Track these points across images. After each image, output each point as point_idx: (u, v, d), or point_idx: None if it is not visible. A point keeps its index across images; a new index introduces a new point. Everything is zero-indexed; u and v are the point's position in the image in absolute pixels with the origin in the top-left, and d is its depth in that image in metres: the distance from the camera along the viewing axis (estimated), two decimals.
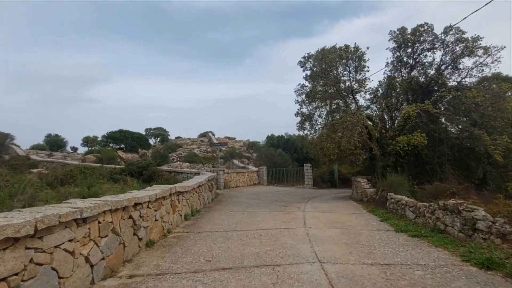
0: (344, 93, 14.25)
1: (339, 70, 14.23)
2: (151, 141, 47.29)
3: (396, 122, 14.23)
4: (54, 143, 42.53)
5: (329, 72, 14.03)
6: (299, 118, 15.22)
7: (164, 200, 5.64)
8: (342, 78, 14.30)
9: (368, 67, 14.06)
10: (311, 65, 14.61)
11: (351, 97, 14.50)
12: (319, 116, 15.06)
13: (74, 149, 42.30)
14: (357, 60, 13.95)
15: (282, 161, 23.18)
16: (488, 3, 7.70)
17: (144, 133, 48.87)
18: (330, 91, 14.01)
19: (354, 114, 12.44)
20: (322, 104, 14.58)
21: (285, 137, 28.89)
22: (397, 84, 14.79)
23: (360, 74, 14.34)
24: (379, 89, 15.48)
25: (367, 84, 14.39)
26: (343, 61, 14.01)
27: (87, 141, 38.94)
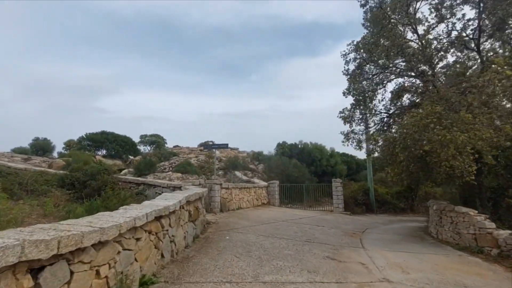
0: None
1: None
2: (145, 148, 42.52)
3: None
4: (40, 147, 37.89)
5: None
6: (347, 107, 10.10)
7: None
8: None
9: None
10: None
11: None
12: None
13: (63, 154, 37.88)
14: None
15: (298, 174, 17.87)
16: None
17: (138, 139, 44.23)
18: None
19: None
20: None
21: (299, 145, 23.65)
22: None
23: None
24: None
25: None
26: None
27: (69, 145, 34.10)
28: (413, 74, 9.23)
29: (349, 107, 10.28)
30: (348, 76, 10.30)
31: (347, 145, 11.25)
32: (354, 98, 10.00)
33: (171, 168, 27.89)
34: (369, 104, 9.86)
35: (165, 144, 46.17)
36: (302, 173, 18.18)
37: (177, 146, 48.08)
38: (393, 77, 9.45)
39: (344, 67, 10.62)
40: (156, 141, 41.68)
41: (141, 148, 41.68)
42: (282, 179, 17.78)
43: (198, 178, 17.85)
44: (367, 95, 9.76)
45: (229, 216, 10.34)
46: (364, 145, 11.05)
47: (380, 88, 9.72)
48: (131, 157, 25.38)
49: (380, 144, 8.63)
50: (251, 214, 11.24)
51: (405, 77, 9.57)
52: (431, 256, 5.98)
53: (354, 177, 27.52)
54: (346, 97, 10.34)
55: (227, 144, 12.58)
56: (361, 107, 9.94)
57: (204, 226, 7.74)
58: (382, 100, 9.97)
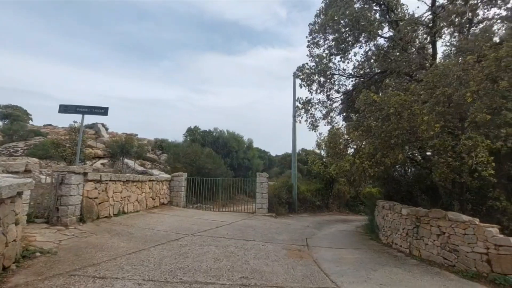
0: None
1: None
2: None
3: None
4: None
5: None
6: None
7: None
8: None
9: None
10: None
11: None
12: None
13: None
14: None
15: (212, 166, 14.25)
16: None
17: None
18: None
19: None
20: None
21: (214, 133, 20.04)
22: None
23: None
24: None
25: None
26: None
27: None
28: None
29: (311, 64, 7.53)
30: (313, 26, 7.54)
31: (301, 122, 8.47)
32: (317, 57, 7.25)
33: (25, 150, 19.47)
34: (334, 66, 7.28)
35: (30, 121, 34.26)
36: (217, 165, 14.65)
37: (50, 125, 36.58)
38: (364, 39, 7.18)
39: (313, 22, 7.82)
40: (12, 114, 29.79)
41: None
42: (192, 172, 13.78)
43: (61, 164, 11.32)
44: (333, 51, 7.18)
45: (94, 230, 5.78)
46: (321, 124, 8.42)
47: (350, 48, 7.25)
48: None
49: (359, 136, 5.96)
50: (140, 224, 6.93)
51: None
52: None
53: (268, 173, 26.01)
54: (310, 60, 7.53)
55: (105, 109, 7.64)
56: (324, 73, 7.25)
57: (17, 260, 3.22)
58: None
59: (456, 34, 6.56)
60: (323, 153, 19.80)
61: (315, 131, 8.85)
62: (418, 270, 4.79)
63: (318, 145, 19.57)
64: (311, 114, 8.11)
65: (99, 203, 6.82)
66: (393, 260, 5.40)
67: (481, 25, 6.29)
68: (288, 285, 3.82)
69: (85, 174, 6.30)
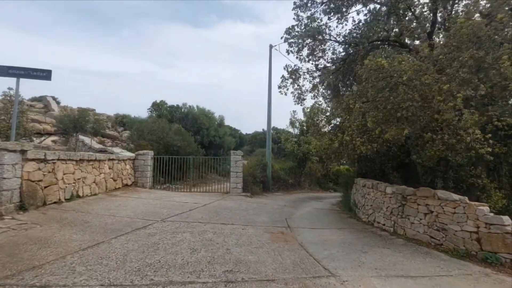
0: None
1: None
2: None
3: None
4: None
5: None
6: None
7: None
8: None
9: None
10: None
11: None
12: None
13: None
14: None
15: (182, 144, 13.23)
16: None
17: None
18: None
19: None
20: None
21: (183, 109, 18.68)
22: None
23: None
24: None
25: None
26: None
27: None
28: None
29: (299, 25, 6.67)
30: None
31: (286, 93, 7.71)
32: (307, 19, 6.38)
33: None
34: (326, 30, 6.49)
35: None
36: (187, 143, 13.63)
37: None
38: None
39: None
40: None
41: None
42: (159, 150, 12.64)
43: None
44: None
45: (39, 220, 4.74)
46: (308, 97, 7.72)
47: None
48: None
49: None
50: (98, 210, 5.96)
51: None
52: (447, 280, 3.36)
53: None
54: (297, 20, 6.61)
55: (48, 72, 6.13)
56: (317, 34, 6.42)
57: None
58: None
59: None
60: (296, 131, 19.69)
61: (301, 105, 8.24)
62: (408, 250, 4.63)
63: (292, 123, 19.43)
64: (298, 85, 7.43)
65: (45, 187, 5.67)
66: (379, 241, 5.22)
67: None
68: (280, 276, 3.33)
69: (23, 152, 5.08)
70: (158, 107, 18.40)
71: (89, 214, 5.51)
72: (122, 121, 21.46)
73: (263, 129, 37.90)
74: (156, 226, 5.08)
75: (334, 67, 6.84)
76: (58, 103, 28.74)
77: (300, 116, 19.16)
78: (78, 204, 6.28)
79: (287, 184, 16.15)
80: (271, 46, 14.83)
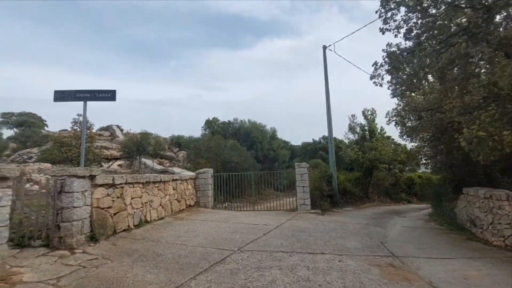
0: None
1: None
2: (9, 132, 30.15)
3: None
4: None
5: None
6: None
7: None
8: None
9: None
10: None
11: None
12: None
13: None
14: None
15: (239, 159, 12.61)
16: None
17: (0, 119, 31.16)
18: None
19: None
20: None
21: (235, 124, 18.39)
22: None
23: None
24: None
25: None
26: None
27: None
28: None
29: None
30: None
31: (381, 84, 6.42)
32: None
33: (38, 157, 18.65)
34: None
35: (45, 128, 33.90)
36: (244, 158, 13.00)
37: (65, 130, 36.28)
38: None
39: None
40: (26, 121, 29.33)
41: (3, 131, 29.26)
42: (216, 167, 12.21)
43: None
44: None
45: (109, 253, 4.24)
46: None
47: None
48: None
49: None
50: (168, 237, 5.35)
51: None
52: None
53: (291, 164, 24.25)
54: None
55: (112, 93, 5.98)
56: None
57: None
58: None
59: None
60: (356, 137, 17.72)
61: (400, 99, 6.60)
62: None
63: (352, 129, 17.60)
64: (400, 72, 5.83)
65: (115, 214, 5.29)
66: None
67: None
68: None
69: (92, 177, 4.75)
70: (211, 124, 18.43)
71: (159, 243, 4.90)
72: (178, 141, 22.11)
73: (313, 139, 36.12)
74: (235, 259, 4.20)
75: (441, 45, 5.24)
76: (121, 130, 31.45)
77: (360, 120, 17.22)
78: (147, 230, 5.81)
79: (354, 197, 14.34)
80: (324, 47, 13.71)
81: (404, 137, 9.40)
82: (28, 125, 28.35)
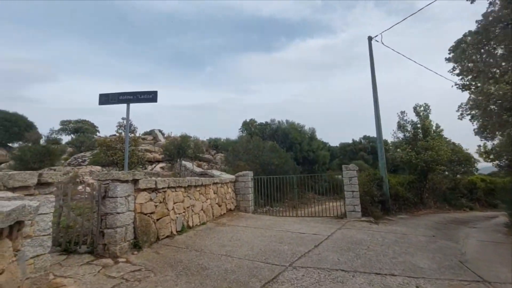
0: None
1: None
2: (68, 137, 33.19)
3: None
4: None
5: None
6: None
7: None
8: None
9: None
10: None
11: None
12: None
13: None
14: None
15: (279, 161, 12.04)
16: None
17: (59, 126, 34.47)
18: None
19: None
20: None
21: (272, 125, 17.87)
22: None
23: None
24: None
25: None
26: None
27: None
28: None
29: None
30: None
31: (463, 65, 5.54)
32: None
33: (90, 161, 20.02)
34: None
35: (97, 133, 36.80)
36: (284, 160, 12.40)
37: (114, 135, 39.04)
38: None
39: None
40: (81, 128, 32.08)
41: (62, 137, 32.33)
42: (256, 170, 11.79)
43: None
44: None
45: (152, 263, 3.95)
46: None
47: None
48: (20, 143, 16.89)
49: None
50: (212, 246, 4.98)
51: None
52: None
53: (331, 166, 22.96)
54: None
55: (154, 94, 5.89)
56: None
57: None
58: None
59: None
60: (407, 135, 16.01)
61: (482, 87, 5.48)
62: None
63: (401, 127, 15.97)
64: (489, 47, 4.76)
65: (157, 219, 5.07)
66: None
67: None
68: None
69: (135, 181, 4.55)
70: (248, 125, 18.15)
71: (203, 253, 4.54)
72: (215, 144, 22.25)
73: (352, 139, 34.27)
74: (288, 278, 3.63)
75: None
76: (163, 134, 32.92)
77: (411, 117, 15.56)
78: (190, 237, 5.52)
79: (408, 203, 12.86)
80: (370, 38, 12.57)
81: (485, 134, 7.97)
82: (82, 131, 30.99)
